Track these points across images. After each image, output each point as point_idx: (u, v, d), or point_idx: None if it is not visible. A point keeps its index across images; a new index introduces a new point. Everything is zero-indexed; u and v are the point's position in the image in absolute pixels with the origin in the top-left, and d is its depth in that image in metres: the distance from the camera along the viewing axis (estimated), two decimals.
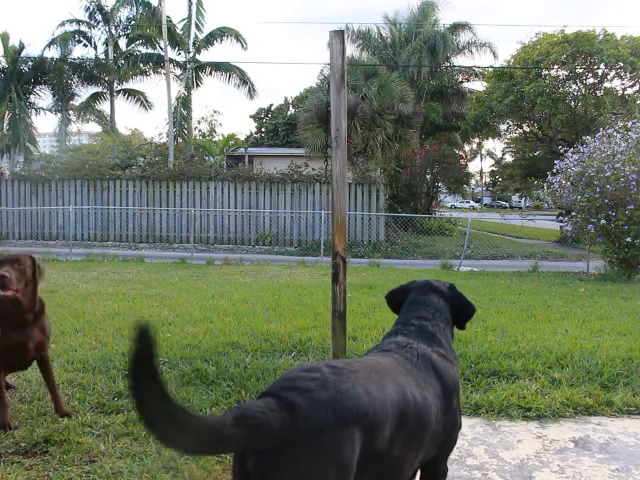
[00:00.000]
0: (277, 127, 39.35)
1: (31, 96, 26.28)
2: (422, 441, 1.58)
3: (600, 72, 20.18)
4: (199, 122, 30.46)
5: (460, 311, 2.06)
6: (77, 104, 27.04)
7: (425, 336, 1.86)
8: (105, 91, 27.34)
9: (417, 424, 1.54)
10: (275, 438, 1.25)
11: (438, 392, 1.68)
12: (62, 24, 24.97)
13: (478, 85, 43.01)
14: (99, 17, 25.12)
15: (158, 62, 24.60)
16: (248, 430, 1.23)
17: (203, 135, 30.08)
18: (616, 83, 21.62)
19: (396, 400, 1.47)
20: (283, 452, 1.25)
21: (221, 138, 27.46)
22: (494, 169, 50.02)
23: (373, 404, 1.37)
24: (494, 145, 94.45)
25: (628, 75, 20.44)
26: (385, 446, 1.41)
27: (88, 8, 24.82)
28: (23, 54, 24.95)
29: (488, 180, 67.35)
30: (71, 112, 27.25)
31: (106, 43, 25.62)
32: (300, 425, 1.26)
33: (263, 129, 42.33)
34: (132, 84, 27.80)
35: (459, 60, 26.95)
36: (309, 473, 1.26)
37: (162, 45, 22.67)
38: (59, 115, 26.86)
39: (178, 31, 23.39)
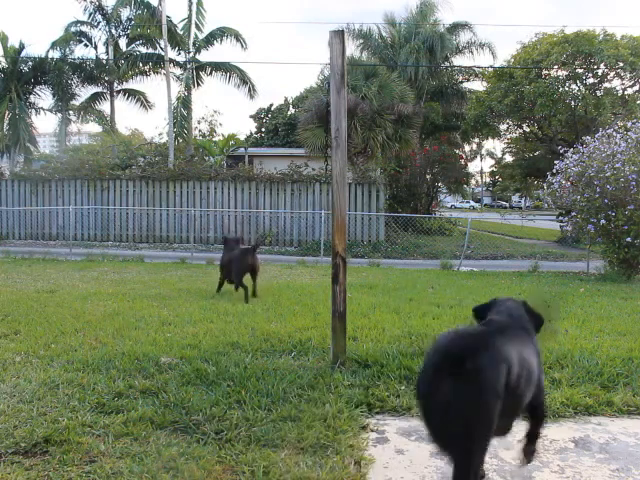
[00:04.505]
0: (277, 127, 39.37)
1: (31, 96, 26.29)
2: (532, 381, 2.21)
3: (600, 72, 20.18)
4: (199, 122, 30.49)
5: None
6: (77, 104, 27.02)
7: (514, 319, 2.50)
8: (105, 91, 27.31)
9: (529, 368, 2.17)
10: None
11: (536, 352, 2.36)
12: (66, 29, 24.98)
13: (478, 85, 43.07)
14: (99, 17, 25.12)
15: (158, 62, 24.60)
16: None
17: (203, 135, 30.10)
18: (616, 83, 21.62)
19: (517, 350, 2.14)
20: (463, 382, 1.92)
21: (221, 138, 27.49)
22: (494, 169, 50.06)
23: (510, 351, 2.07)
24: (494, 145, 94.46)
25: (628, 75, 20.44)
26: (515, 380, 2.04)
27: (87, 9, 24.83)
28: (23, 54, 24.96)
29: (488, 180, 67.44)
30: (71, 112, 27.23)
31: (106, 43, 25.61)
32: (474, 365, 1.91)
33: (263, 129, 42.36)
34: (132, 84, 27.82)
35: (459, 60, 26.96)
36: (479, 394, 1.93)
37: (162, 45, 22.66)
38: (59, 115, 26.89)
39: (178, 31, 23.39)
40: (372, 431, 2.97)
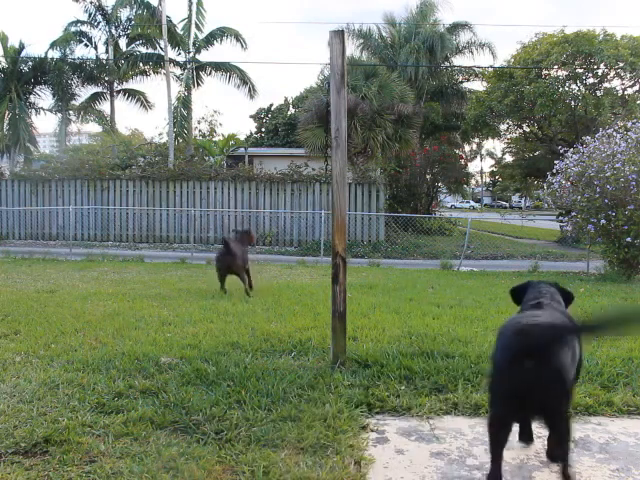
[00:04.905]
0: (277, 127, 39.37)
1: (31, 96, 26.29)
2: (576, 355, 2.51)
3: (600, 72, 20.18)
4: (199, 122, 30.47)
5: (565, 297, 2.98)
6: (77, 104, 27.03)
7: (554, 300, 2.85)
8: (105, 91, 27.32)
9: (572, 345, 2.47)
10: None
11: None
12: (66, 29, 24.97)
13: (478, 85, 43.05)
14: (99, 17, 25.13)
15: (158, 62, 24.60)
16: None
17: (203, 135, 30.09)
18: (616, 83, 21.62)
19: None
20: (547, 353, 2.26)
21: (221, 138, 27.48)
22: (494, 169, 50.05)
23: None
24: (494, 145, 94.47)
25: (628, 75, 20.44)
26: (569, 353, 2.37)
27: (87, 9, 24.83)
28: (23, 54, 24.96)
29: (488, 180, 67.44)
30: (71, 112, 27.24)
31: (106, 43, 25.61)
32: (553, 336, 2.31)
33: (263, 129, 42.37)
34: (132, 84, 27.84)
35: (459, 60, 26.96)
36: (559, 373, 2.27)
37: (162, 45, 22.67)
38: (59, 115, 26.88)
39: (178, 31, 23.40)
40: (372, 431, 2.97)
